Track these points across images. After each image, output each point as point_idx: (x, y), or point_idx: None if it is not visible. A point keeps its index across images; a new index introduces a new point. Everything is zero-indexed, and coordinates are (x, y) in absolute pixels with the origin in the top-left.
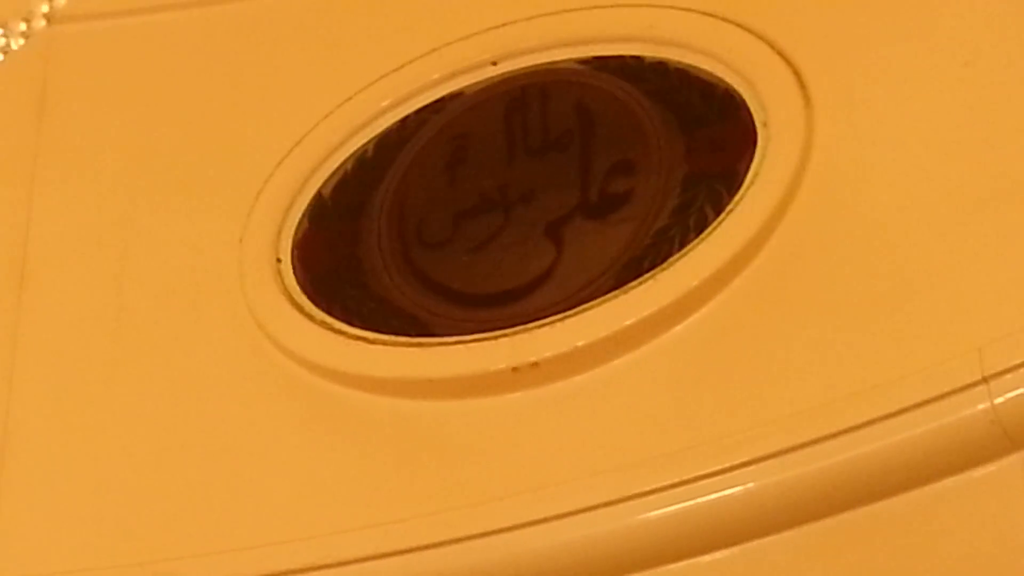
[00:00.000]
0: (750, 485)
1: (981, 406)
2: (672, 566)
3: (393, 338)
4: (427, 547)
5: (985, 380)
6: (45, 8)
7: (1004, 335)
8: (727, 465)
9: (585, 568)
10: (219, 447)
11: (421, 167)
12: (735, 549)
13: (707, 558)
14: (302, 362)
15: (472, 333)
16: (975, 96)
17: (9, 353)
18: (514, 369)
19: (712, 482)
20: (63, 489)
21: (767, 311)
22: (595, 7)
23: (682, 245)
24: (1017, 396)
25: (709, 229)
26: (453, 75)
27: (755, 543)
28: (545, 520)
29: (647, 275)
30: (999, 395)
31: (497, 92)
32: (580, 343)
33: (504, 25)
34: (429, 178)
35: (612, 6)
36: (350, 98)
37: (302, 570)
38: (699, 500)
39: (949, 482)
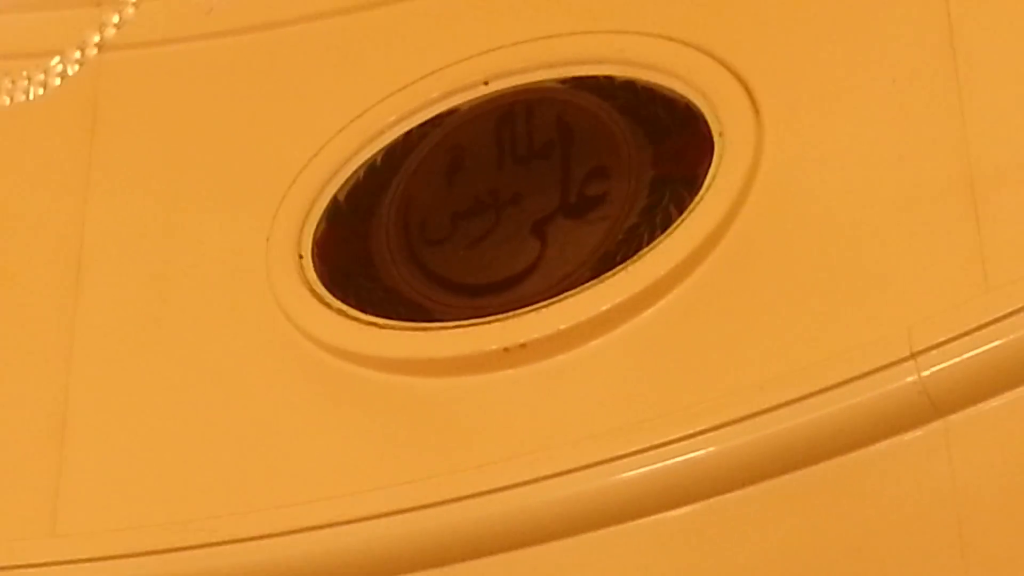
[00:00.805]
0: (711, 449)
1: (910, 379)
2: (645, 520)
3: (400, 323)
4: (431, 505)
5: (913, 356)
6: (97, 38)
7: (930, 315)
8: (692, 431)
9: (569, 522)
10: (250, 421)
11: (423, 174)
12: (699, 504)
13: (675, 512)
14: (322, 345)
15: (468, 319)
16: (901, 107)
17: (68, 341)
18: (505, 350)
19: (679, 446)
20: (116, 461)
21: (724, 297)
22: (573, 33)
23: (650, 240)
24: (941, 370)
25: (673, 226)
26: (450, 93)
27: (717, 499)
28: (533, 481)
29: (620, 267)
30: (926, 368)
31: (488, 108)
32: (563, 326)
33: (494, 50)
34: (430, 183)
35: (588, 32)
36: (361, 114)
37: (325, 526)
38: (668, 462)
39: (883, 445)
